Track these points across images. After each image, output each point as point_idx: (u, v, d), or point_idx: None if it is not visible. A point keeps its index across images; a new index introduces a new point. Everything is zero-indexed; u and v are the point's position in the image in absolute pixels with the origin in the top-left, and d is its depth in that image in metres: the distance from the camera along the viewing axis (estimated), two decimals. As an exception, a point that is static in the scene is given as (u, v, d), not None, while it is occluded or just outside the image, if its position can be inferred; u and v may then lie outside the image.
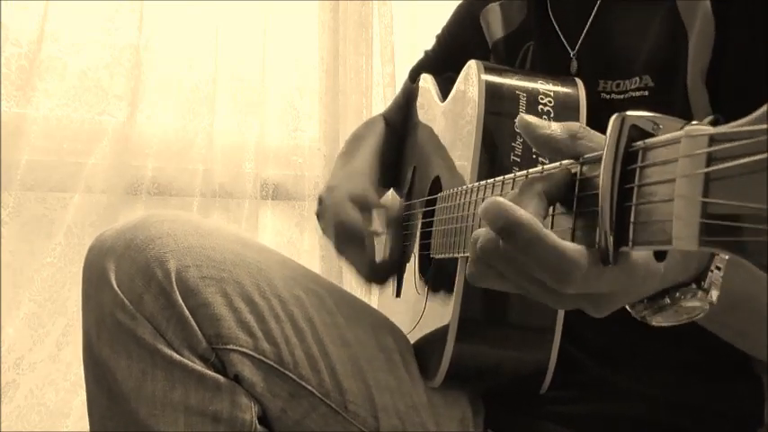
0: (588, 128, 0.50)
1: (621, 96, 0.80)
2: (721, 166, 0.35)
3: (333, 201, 0.98)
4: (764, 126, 0.33)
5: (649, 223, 0.41)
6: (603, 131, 0.46)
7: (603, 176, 0.44)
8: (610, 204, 0.43)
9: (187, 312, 0.75)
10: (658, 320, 0.54)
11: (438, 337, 0.80)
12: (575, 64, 0.87)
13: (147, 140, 1.60)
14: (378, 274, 0.97)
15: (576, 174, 0.49)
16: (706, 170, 0.36)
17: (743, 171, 0.34)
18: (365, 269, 0.95)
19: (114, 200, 1.53)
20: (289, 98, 1.79)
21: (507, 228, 0.46)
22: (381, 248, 0.97)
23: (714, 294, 0.52)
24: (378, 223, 0.97)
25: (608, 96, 0.82)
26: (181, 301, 0.75)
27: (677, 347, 0.79)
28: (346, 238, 0.94)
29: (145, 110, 1.59)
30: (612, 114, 0.45)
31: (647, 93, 0.78)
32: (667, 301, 0.52)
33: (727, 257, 0.52)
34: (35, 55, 1.45)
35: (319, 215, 1.02)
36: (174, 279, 0.75)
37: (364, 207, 0.95)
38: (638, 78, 0.79)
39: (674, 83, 0.76)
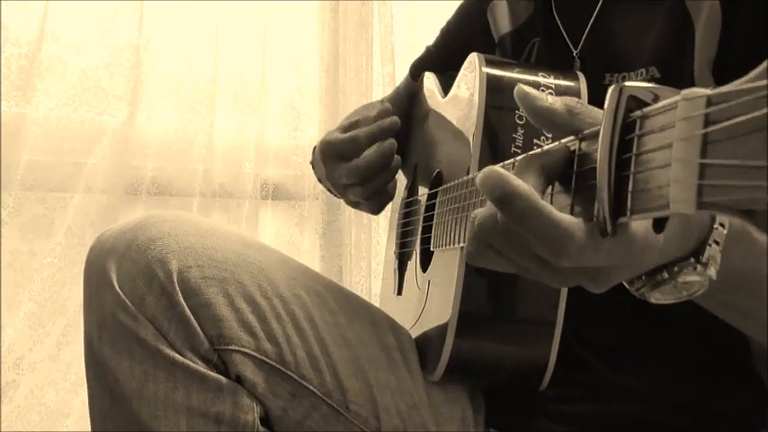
0: (586, 104, 0.50)
1: None
2: (719, 126, 0.34)
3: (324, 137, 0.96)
4: (764, 82, 0.32)
5: (647, 191, 0.40)
6: None
7: (601, 146, 0.43)
8: (608, 174, 0.43)
9: (189, 313, 0.75)
10: (657, 297, 0.53)
11: (438, 331, 0.80)
12: (577, 63, 0.87)
13: (147, 140, 1.60)
14: (366, 190, 0.94)
15: (574, 151, 0.49)
16: (703, 131, 0.35)
17: (741, 130, 0.33)
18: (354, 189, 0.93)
19: (114, 200, 1.53)
20: (289, 98, 1.79)
21: (504, 197, 0.46)
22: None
23: (712, 269, 0.51)
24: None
25: None
26: (183, 301, 0.75)
27: (681, 345, 0.79)
28: (332, 156, 0.94)
29: (145, 110, 1.59)
30: None
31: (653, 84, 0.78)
32: (665, 275, 0.52)
33: (725, 232, 0.52)
34: (35, 55, 1.45)
35: (313, 163, 1.00)
36: (175, 279, 0.75)
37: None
38: (643, 70, 0.79)
39: (681, 73, 0.76)
